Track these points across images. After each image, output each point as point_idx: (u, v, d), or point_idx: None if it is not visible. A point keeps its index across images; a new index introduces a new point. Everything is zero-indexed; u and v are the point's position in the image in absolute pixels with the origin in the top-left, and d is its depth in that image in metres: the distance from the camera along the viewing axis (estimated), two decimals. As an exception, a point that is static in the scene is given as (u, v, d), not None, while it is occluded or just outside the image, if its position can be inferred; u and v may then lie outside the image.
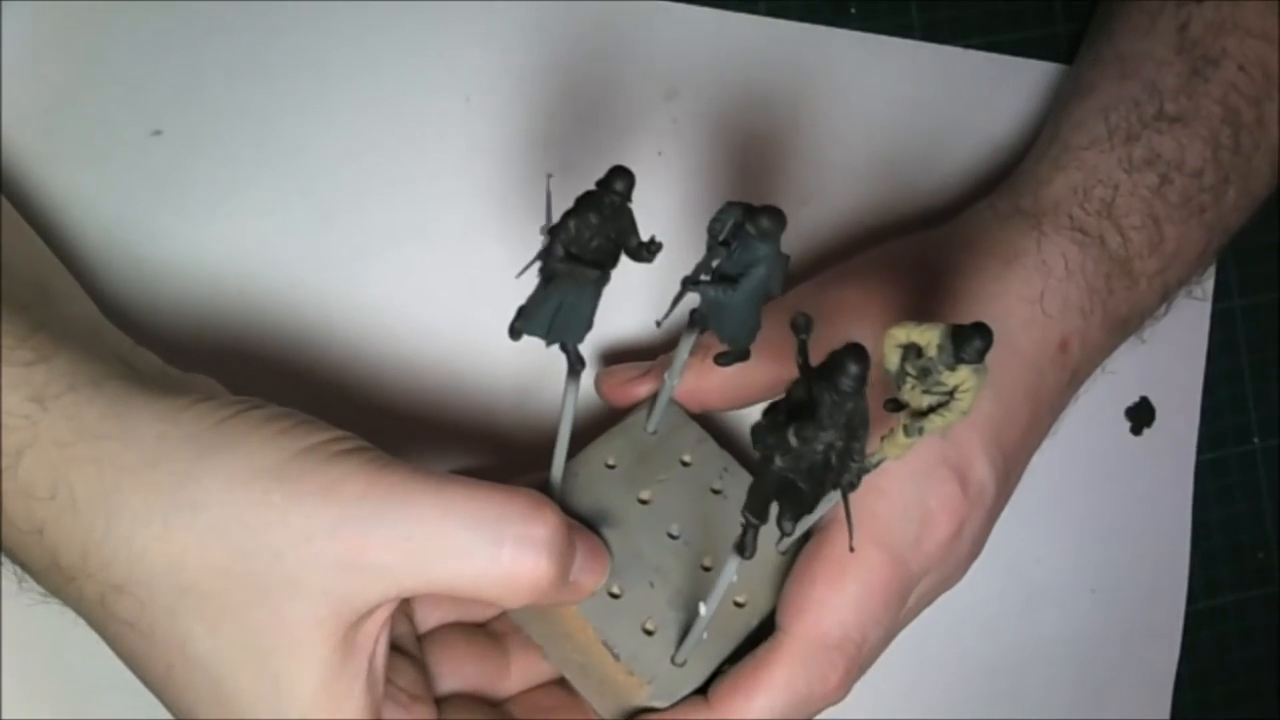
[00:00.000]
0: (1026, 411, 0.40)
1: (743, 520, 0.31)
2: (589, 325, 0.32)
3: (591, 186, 0.46)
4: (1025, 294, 0.41)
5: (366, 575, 0.32)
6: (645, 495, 0.39)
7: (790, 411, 0.29)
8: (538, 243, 0.46)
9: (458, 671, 0.39)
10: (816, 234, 0.48)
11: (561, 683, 0.40)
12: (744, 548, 0.32)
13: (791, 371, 0.40)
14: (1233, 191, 0.44)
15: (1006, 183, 0.46)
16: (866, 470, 0.30)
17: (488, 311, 0.45)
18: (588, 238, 0.31)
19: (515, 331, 0.31)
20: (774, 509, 0.31)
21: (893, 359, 0.32)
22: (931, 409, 0.32)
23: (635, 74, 0.47)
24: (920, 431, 0.32)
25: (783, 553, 0.40)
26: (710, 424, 0.42)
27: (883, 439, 0.32)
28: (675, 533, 0.39)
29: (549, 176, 0.46)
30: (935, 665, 0.49)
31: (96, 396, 0.33)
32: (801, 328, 0.30)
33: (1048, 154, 0.45)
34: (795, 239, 0.48)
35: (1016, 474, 0.42)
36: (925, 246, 0.44)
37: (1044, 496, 0.50)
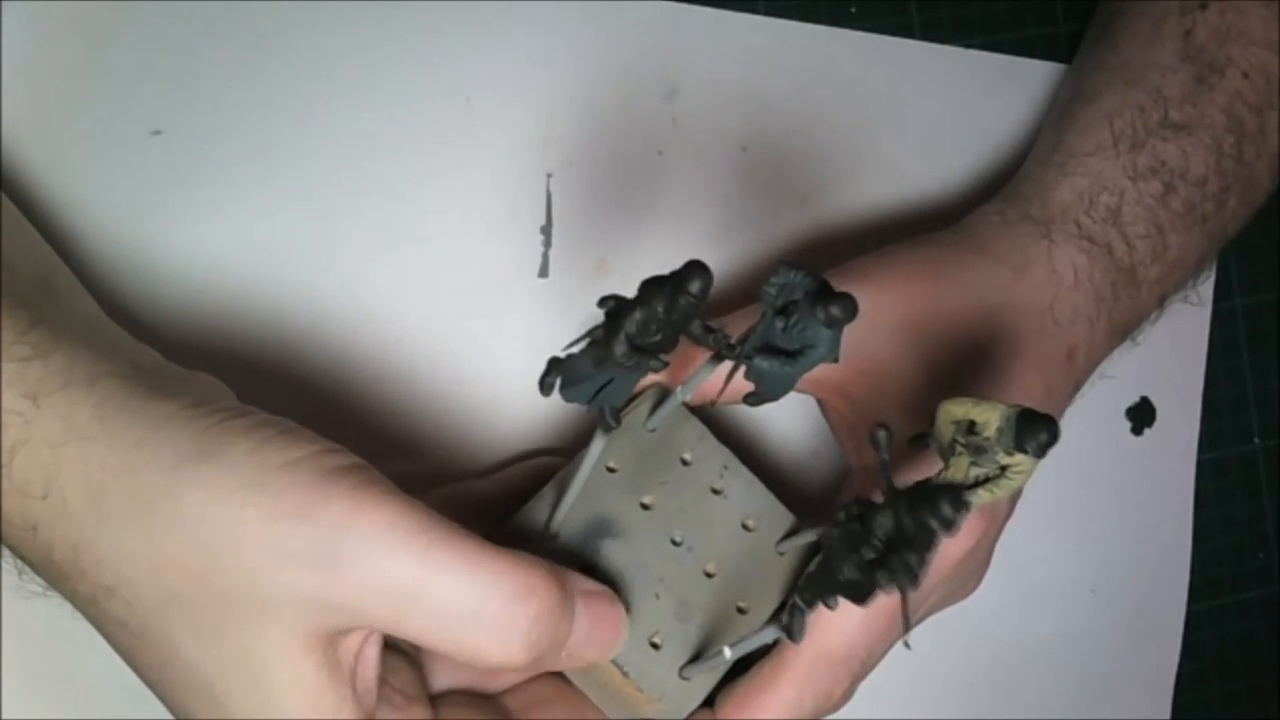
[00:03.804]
0: None
1: (793, 602, 0.31)
2: (630, 392, 0.31)
3: (596, 186, 0.47)
4: (1037, 304, 0.41)
5: (336, 612, 0.31)
6: (648, 500, 0.39)
7: (878, 553, 0.27)
8: (538, 243, 0.47)
9: (450, 668, 0.38)
10: (816, 232, 0.48)
11: (556, 674, 0.39)
12: (793, 631, 0.31)
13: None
14: (1234, 200, 0.44)
15: (1011, 186, 0.46)
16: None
17: (488, 310, 0.45)
18: (653, 330, 0.28)
19: (548, 389, 0.29)
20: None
21: (946, 433, 0.30)
22: (978, 482, 0.30)
23: (635, 74, 0.47)
24: (967, 507, 0.31)
25: (782, 554, 0.40)
26: (705, 413, 0.42)
27: None
28: (678, 539, 0.39)
29: (549, 176, 0.46)
30: (935, 665, 0.49)
31: (89, 395, 0.33)
32: (884, 446, 0.28)
33: (1052, 159, 0.45)
34: (795, 238, 0.48)
35: None
36: (930, 251, 0.43)
37: (1044, 496, 0.49)
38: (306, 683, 0.31)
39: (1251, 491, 0.53)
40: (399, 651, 0.37)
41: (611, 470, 0.39)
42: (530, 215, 0.46)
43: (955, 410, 0.30)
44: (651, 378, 0.41)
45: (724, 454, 0.41)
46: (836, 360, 0.31)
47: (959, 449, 0.30)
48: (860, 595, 0.28)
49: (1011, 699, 0.50)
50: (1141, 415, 0.52)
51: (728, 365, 0.32)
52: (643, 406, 0.40)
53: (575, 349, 0.29)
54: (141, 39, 0.43)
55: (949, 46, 0.50)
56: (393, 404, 0.44)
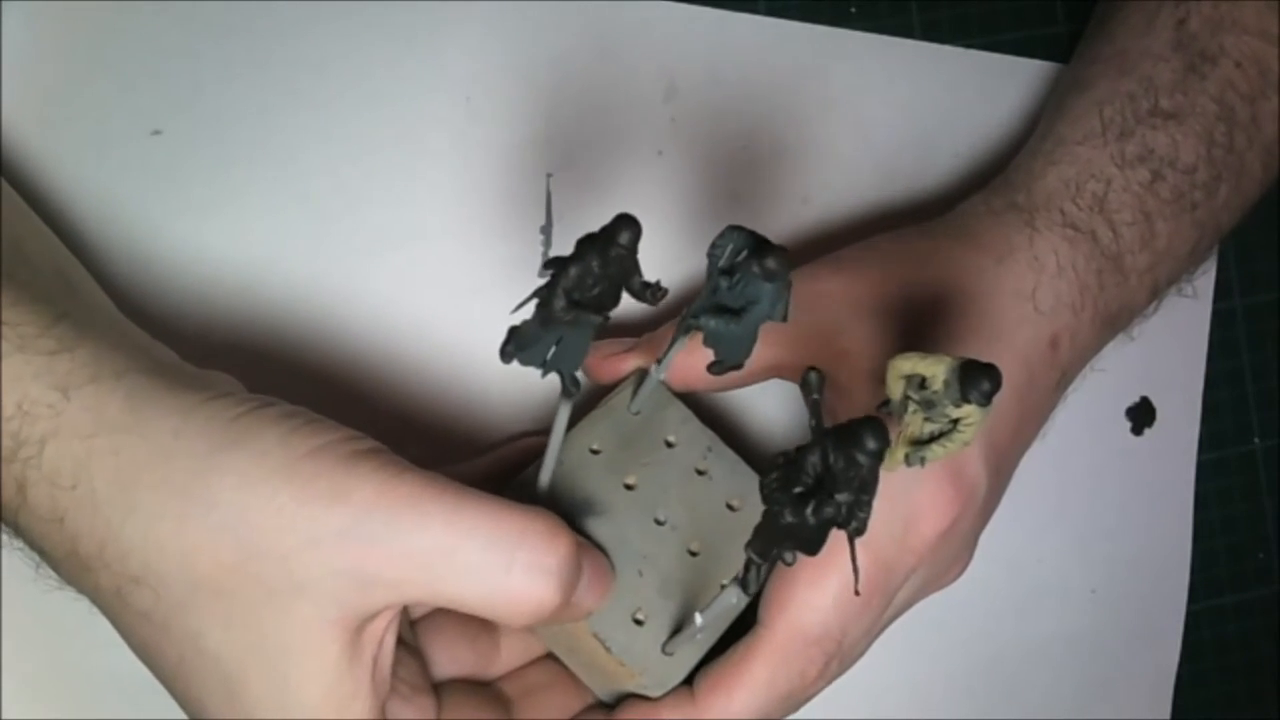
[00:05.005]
0: (1016, 407, 0.40)
1: (747, 556, 0.31)
2: (584, 355, 0.32)
3: (596, 186, 0.47)
4: (1017, 290, 0.41)
5: (372, 586, 0.32)
6: (631, 480, 0.39)
7: (808, 488, 0.28)
8: (538, 242, 0.47)
9: (452, 658, 0.39)
10: (817, 233, 0.48)
11: (552, 658, 0.40)
12: (748, 584, 0.32)
13: (780, 357, 0.40)
14: (1225, 189, 0.44)
15: (1001, 177, 0.46)
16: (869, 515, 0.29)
17: (487, 308, 0.45)
18: (590, 284, 0.30)
19: (508, 356, 0.31)
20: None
21: (896, 389, 0.31)
22: (933, 437, 0.31)
23: (635, 74, 0.47)
24: (922, 461, 0.31)
25: None
26: (691, 399, 0.42)
27: None
28: (662, 518, 0.39)
29: (549, 176, 0.46)
30: (936, 665, 0.49)
31: (117, 388, 0.33)
32: (814, 387, 0.29)
33: (1041, 149, 0.45)
34: (796, 238, 0.48)
35: (1007, 473, 0.41)
36: (916, 239, 0.44)
37: (1044, 496, 0.50)
38: (327, 667, 0.32)
39: (1251, 491, 0.53)
40: (403, 644, 0.38)
41: (595, 452, 0.40)
42: (530, 215, 0.46)
43: (903, 365, 0.31)
44: (632, 362, 0.42)
45: (708, 436, 0.41)
46: (784, 319, 0.32)
47: (911, 406, 0.31)
48: (808, 541, 0.29)
49: (1011, 699, 0.50)
50: (1141, 415, 0.52)
51: (698, 338, 0.34)
52: (625, 390, 0.41)
53: (523, 311, 0.30)
54: (141, 39, 0.43)
55: (949, 46, 0.50)
56: (392, 402, 0.44)
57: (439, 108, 0.45)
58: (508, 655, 0.40)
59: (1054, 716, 0.51)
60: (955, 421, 0.31)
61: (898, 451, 0.32)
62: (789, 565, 0.30)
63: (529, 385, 0.45)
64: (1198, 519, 0.52)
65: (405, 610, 0.39)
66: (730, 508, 0.40)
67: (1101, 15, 0.49)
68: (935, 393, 0.30)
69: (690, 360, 0.40)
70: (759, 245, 0.31)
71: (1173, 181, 0.43)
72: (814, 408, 0.29)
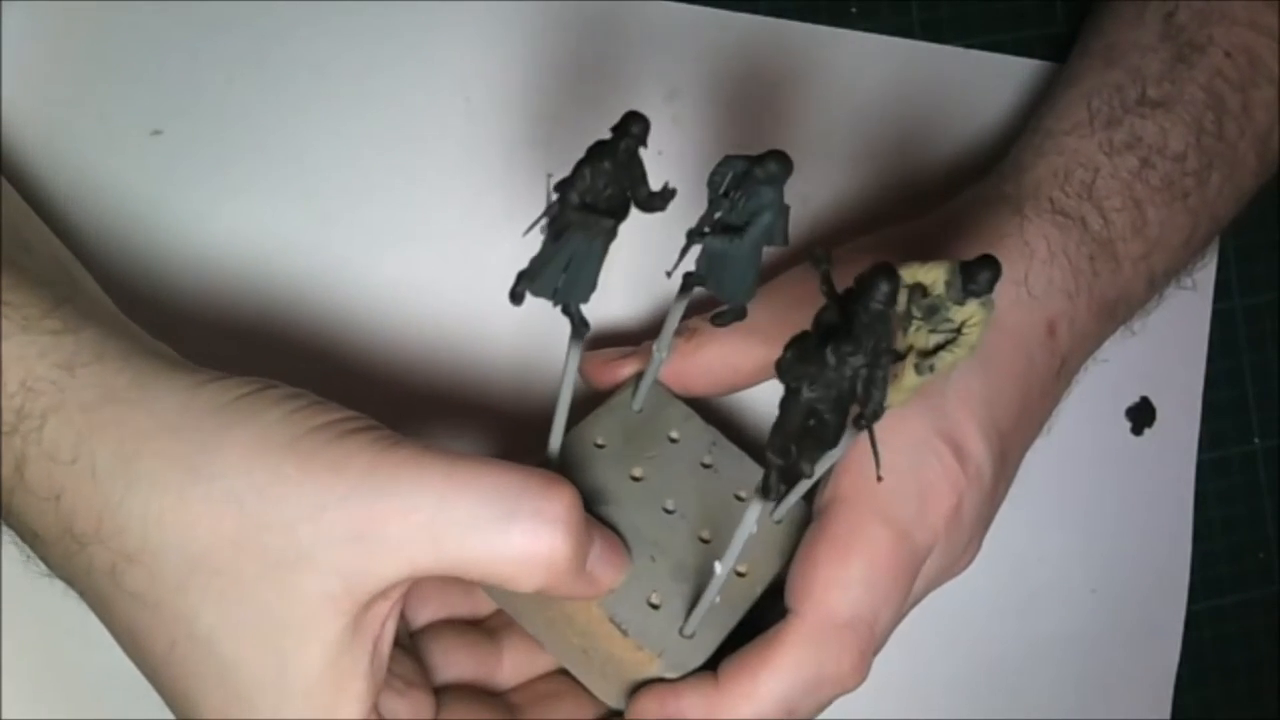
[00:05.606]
0: (1018, 392, 0.40)
1: (767, 458, 0.31)
2: (594, 285, 0.32)
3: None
4: (1009, 275, 0.41)
5: (377, 549, 0.32)
6: (637, 472, 0.40)
7: (823, 334, 0.28)
8: (539, 242, 0.46)
9: (451, 663, 0.39)
10: (817, 232, 0.48)
11: (561, 672, 0.40)
12: (769, 489, 0.31)
13: (779, 354, 0.40)
14: (1217, 177, 0.44)
15: (993, 171, 0.46)
16: (885, 408, 0.29)
17: (487, 307, 0.45)
18: (601, 186, 0.30)
19: (518, 296, 0.31)
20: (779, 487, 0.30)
21: (900, 300, 0.31)
22: (939, 347, 0.31)
23: (635, 74, 0.47)
24: (931, 369, 0.31)
25: (778, 522, 0.40)
26: (692, 403, 0.42)
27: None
28: (670, 507, 0.39)
29: (549, 176, 0.46)
30: (936, 665, 0.49)
31: (124, 367, 0.33)
32: (822, 259, 0.30)
33: (1031, 142, 0.45)
34: (795, 238, 0.48)
35: (1013, 461, 0.41)
36: (910, 234, 0.44)
37: (1044, 496, 0.50)
38: (328, 643, 0.32)
39: (1251, 491, 0.54)
40: (400, 646, 0.38)
41: (600, 446, 0.40)
42: (530, 215, 0.45)
43: (904, 275, 0.31)
44: (630, 367, 0.42)
45: (711, 432, 0.42)
46: (785, 241, 0.33)
47: (915, 320, 0.31)
48: (827, 429, 0.29)
49: (1012, 699, 0.50)
50: (1141, 415, 0.52)
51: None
52: (627, 390, 0.41)
53: (534, 230, 0.31)
54: (141, 38, 0.43)
55: (949, 46, 0.50)
56: (393, 401, 0.44)
57: (439, 108, 0.45)
58: (513, 667, 0.40)
59: (1054, 716, 0.51)
60: (959, 330, 0.31)
61: (906, 373, 0.32)
62: (808, 476, 0.30)
63: (531, 382, 0.45)
64: (1198, 519, 0.52)
65: (405, 618, 0.39)
66: (739, 498, 0.40)
67: (1094, 15, 0.49)
68: (938, 296, 0.31)
69: (689, 363, 0.41)
70: (758, 156, 0.32)
71: (1162, 169, 0.43)
72: (824, 276, 0.30)
